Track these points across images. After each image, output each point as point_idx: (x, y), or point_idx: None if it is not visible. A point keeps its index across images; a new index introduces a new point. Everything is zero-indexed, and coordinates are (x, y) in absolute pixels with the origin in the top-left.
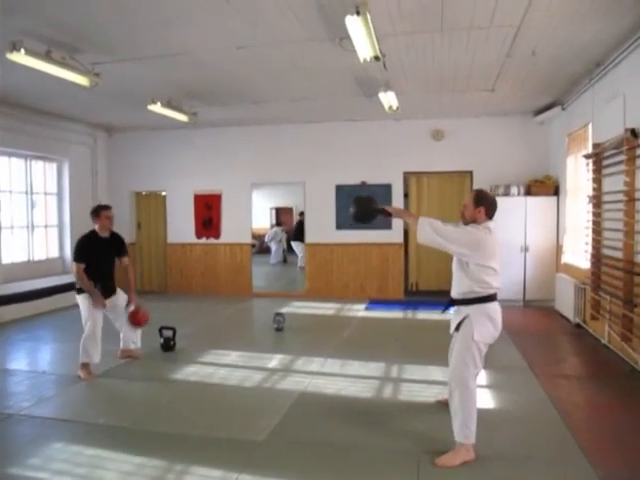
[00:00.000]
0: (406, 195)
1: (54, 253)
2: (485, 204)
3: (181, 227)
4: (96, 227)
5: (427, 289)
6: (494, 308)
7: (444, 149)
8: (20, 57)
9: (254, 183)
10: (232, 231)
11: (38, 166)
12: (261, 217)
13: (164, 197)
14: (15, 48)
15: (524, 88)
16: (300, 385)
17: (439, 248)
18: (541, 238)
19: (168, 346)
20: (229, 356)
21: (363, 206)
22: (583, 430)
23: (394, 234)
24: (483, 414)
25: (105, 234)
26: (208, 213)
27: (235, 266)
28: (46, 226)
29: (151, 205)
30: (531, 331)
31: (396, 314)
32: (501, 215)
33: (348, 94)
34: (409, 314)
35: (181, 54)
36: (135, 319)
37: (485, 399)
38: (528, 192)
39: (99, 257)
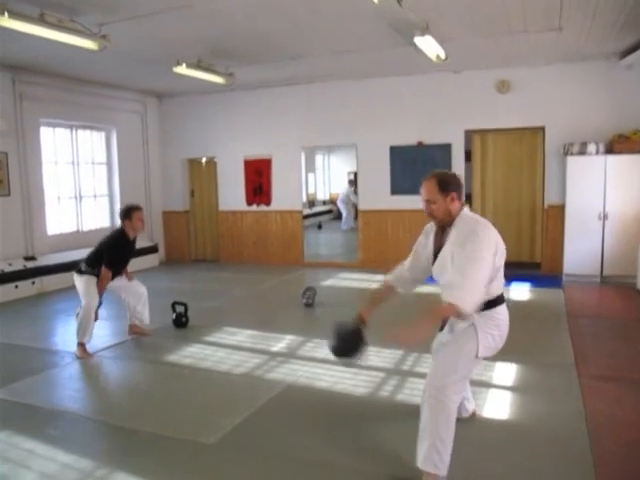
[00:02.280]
0: (468, 156)
1: (104, 223)
2: (453, 187)
3: (232, 194)
4: (126, 228)
5: None
6: (502, 312)
7: (511, 103)
8: (6, 21)
9: (305, 146)
10: (283, 198)
11: (85, 136)
12: (340, 182)
13: (216, 163)
14: (2, 12)
15: (599, 24)
16: (292, 375)
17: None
18: (623, 204)
19: (180, 322)
20: (238, 335)
21: (347, 341)
22: (611, 468)
23: None
24: (487, 425)
25: (133, 235)
26: (258, 179)
27: (286, 234)
28: (95, 196)
29: (203, 172)
30: (598, 315)
31: None
32: (575, 177)
33: (387, 43)
34: None
35: (199, 3)
36: None
37: (498, 404)
38: (609, 150)
39: (122, 258)
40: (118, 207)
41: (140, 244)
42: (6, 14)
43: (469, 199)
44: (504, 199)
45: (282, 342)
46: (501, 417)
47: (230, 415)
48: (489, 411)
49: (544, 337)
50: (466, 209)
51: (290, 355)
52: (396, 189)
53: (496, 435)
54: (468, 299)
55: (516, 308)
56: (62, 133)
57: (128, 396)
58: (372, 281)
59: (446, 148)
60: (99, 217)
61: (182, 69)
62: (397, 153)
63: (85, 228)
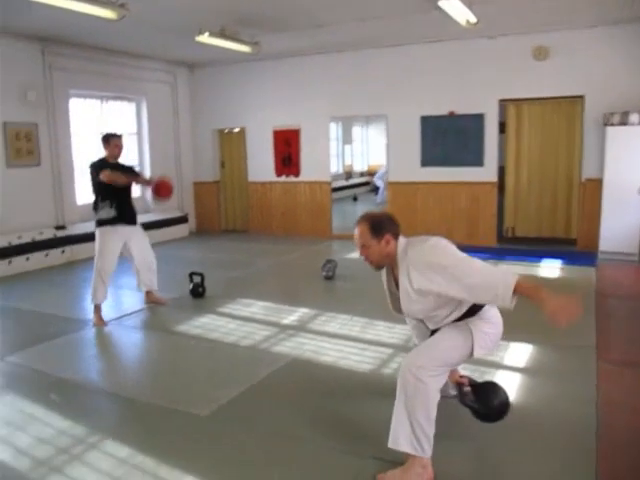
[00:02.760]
0: (502, 127)
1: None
2: (387, 228)
3: (261, 165)
4: (105, 154)
5: (525, 235)
6: (495, 312)
7: (549, 70)
8: None
9: (333, 117)
10: (311, 169)
11: (115, 106)
12: (378, 153)
13: (245, 134)
14: None
15: None
16: (299, 349)
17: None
18: None
19: (197, 292)
20: (252, 307)
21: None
22: (615, 454)
23: (487, 171)
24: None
25: (113, 161)
26: (287, 150)
27: (314, 206)
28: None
29: (233, 143)
30: (630, 296)
31: None
32: (615, 149)
33: (413, 7)
34: (495, 264)
35: None
36: (157, 188)
37: (505, 386)
38: None
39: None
40: (148, 177)
41: (170, 214)
42: None
43: (502, 172)
44: (539, 172)
45: (295, 315)
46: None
47: (228, 387)
48: None
49: None
50: (401, 239)
51: (300, 328)
52: (427, 161)
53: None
54: (509, 292)
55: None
56: (92, 104)
57: (130, 365)
58: None
59: (479, 118)
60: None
61: (205, 38)
62: (428, 123)
63: None
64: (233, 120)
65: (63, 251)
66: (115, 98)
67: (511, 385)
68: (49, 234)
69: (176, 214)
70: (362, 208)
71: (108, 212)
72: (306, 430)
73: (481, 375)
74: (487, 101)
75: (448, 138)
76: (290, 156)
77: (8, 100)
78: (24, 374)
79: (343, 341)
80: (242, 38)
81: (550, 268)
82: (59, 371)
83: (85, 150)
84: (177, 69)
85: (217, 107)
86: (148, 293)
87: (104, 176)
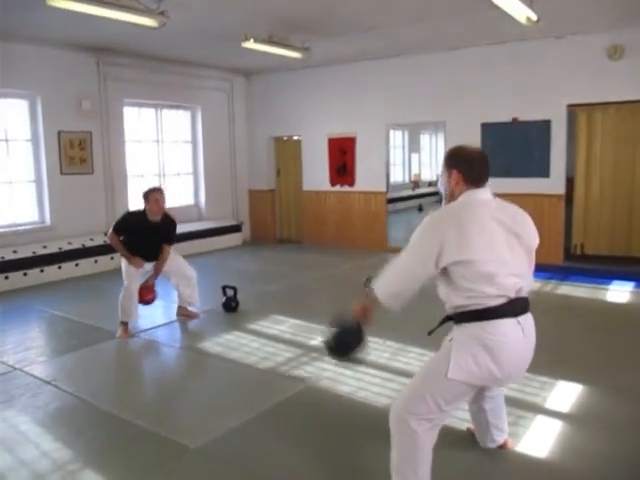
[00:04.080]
0: (570, 134)
1: (188, 201)
2: (459, 164)
3: (316, 173)
4: (146, 210)
5: (596, 253)
6: (498, 331)
7: (624, 71)
8: (60, 2)
9: (390, 124)
10: (367, 178)
11: (170, 115)
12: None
13: (301, 142)
14: None
15: None
16: (316, 375)
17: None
18: None
19: (229, 306)
20: (283, 324)
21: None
22: None
23: (553, 183)
24: (518, 461)
25: (155, 218)
26: (342, 158)
27: (369, 217)
28: (179, 174)
29: (289, 151)
30: None
31: (539, 284)
32: None
33: (465, 6)
34: (556, 286)
35: None
36: (140, 294)
37: (541, 436)
38: None
39: (141, 239)
40: (203, 185)
41: (223, 222)
42: None
43: (570, 184)
44: (613, 184)
45: (325, 336)
46: (539, 453)
47: (230, 416)
48: (527, 444)
49: (629, 353)
50: (476, 192)
51: (325, 352)
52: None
53: (525, 475)
54: (379, 284)
55: (603, 312)
56: (147, 112)
57: (138, 384)
58: None
59: (544, 125)
60: (183, 195)
61: (250, 44)
62: (489, 131)
63: (169, 205)
64: (289, 128)
65: (112, 258)
66: (170, 107)
67: (550, 436)
68: (99, 241)
69: (229, 222)
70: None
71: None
72: (299, 477)
73: (515, 420)
74: (554, 106)
75: (511, 146)
76: (345, 165)
77: (63, 109)
78: (33, 387)
79: (366, 368)
80: (291, 44)
81: (620, 292)
82: (68, 385)
83: (138, 157)
84: (234, 77)
85: (273, 115)
86: (180, 307)
87: (108, 237)
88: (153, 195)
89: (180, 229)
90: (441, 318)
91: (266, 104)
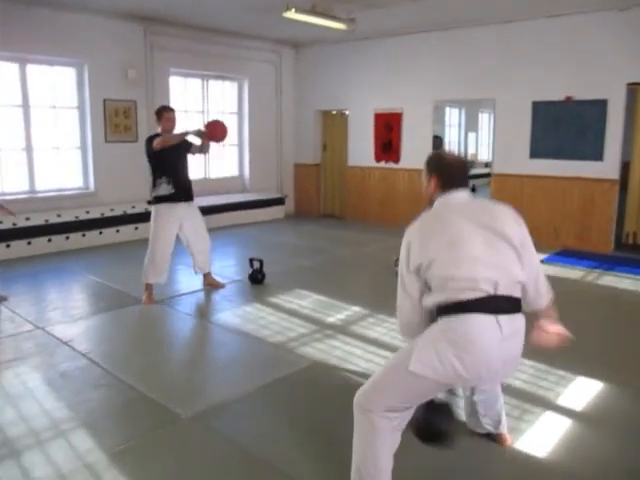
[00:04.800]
0: (630, 116)
1: (233, 172)
2: (437, 170)
3: (361, 149)
4: (159, 130)
5: None
6: (465, 327)
7: None
8: None
9: (437, 100)
10: (412, 155)
11: (217, 85)
12: None
13: (347, 116)
14: None
15: None
16: (326, 353)
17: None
18: None
19: (255, 278)
20: (305, 299)
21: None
22: None
23: (607, 167)
24: (511, 458)
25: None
26: (388, 134)
27: (413, 195)
28: (224, 145)
29: (336, 125)
30: None
31: (581, 273)
32: None
33: None
34: (600, 275)
35: None
36: (211, 131)
37: (545, 433)
38: None
39: (170, 155)
40: (247, 157)
41: (266, 195)
42: None
43: (626, 169)
44: None
45: (343, 313)
46: (538, 452)
47: (229, 387)
48: (528, 441)
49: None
50: (453, 194)
51: (341, 329)
52: (536, 152)
53: (518, 473)
54: (398, 322)
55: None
56: (194, 82)
57: (148, 350)
58: None
59: (601, 105)
60: (227, 165)
61: (292, 14)
62: (540, 110)
63: (212, 176)
64: (336, 101)
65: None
66: (216, 77)
67: (554, 434)
68: (140, 208)
69: (273, 195)
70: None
71: (165, 188)
72: (285, 459)
73: (520, 414)
74: (612, 85)
75: (563, 127)
76: (390, 141)
77: (109, 78)
78: (51, 346)
79: (378, 349)
80: (336, 14)
81: None
82: (82, 347)
83: (184, 127)
84: (282, 49)
85: (321, 88)
86: (206, 275)
87: (157, 143)
88: (166, 114)
89: (223, 200)
90: None
91: (314, 77)
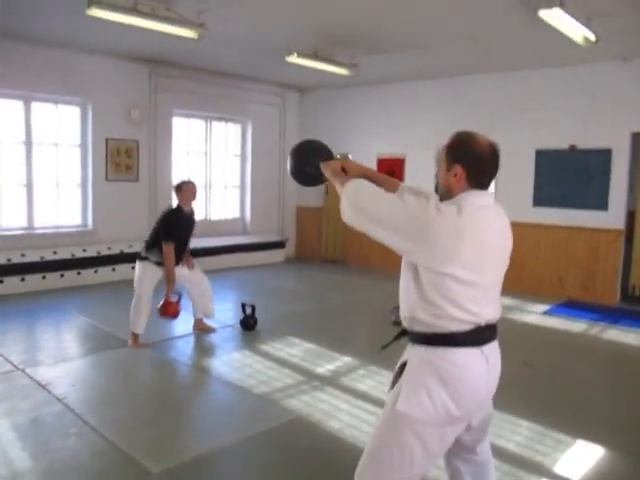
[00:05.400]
0: (635, 165)
1: (235, 214)
2: (466, 160)
3: None
4: (179, 202)
5: None
6: (456, 362)
7: None
8: (98, 12)
9: (440, 146)
10: None
11: (220, 127)
12: None
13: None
14: (91, 3)
15: None
16: (311, 407)
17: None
18: None
19: (247, 324)
20: (295, 348)
21: (300, 159)
22: None
23: (612, 216)
24: None
25: (188, 209)
26: None
27: None
28: (226, 186)
29: None
30: None
31: (584, 326)
32: None
33: (514, 19)
34: (604, 329)
35: None
36: (163, 310)
37: None
38: None
39: (184, 231)
40: (249, 199)
41: (266, 238)
42: (94, 5)
43: (631, 218)
44: None
45: (333, 363)
46: None
47: (203, 441)
48: None
49: None
50: (478, 196)
51: (329, 381)
52: (540, 200)
53: None
54: (345, 205)
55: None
56: (197, 124)
57: (128, 398)
58: None
59: (605, 154)
60: (229, 207)
61: (294, 58)
62: (544, 158)
63: (214, 217)
64: (339, 145)
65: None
66: (220, 119)
67: None
68: (137, 247)
69: (273, 238)
70: None
71: (159, 257)
72: None
73: None
74: (617, 134)
75: (567, 175)
76: None
77: (112, 117)
78: (27, 389)
79: (366, 404)
80: (338, 60)
81: None
82: (59, 391)
83: (186, 168)
84: (286, 92)
85: (324, 131)
86: (197, 320)
87: (166, 252)
88: (186, 187)
89: (223, 242)
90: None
91: (318, 120)
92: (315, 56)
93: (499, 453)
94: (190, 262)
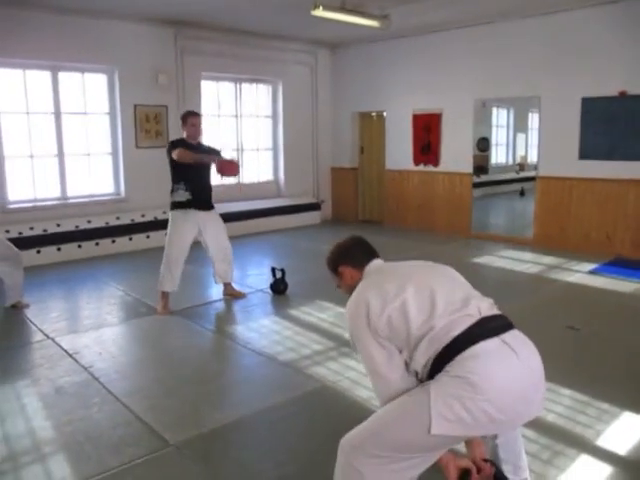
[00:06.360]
0: None
1: (268, 176)
2: (342, 260)
3: (399, 152)
4: (184, 135)
5: None
6: (478, 359)
7: None
8: None
9: (478, 99)
10: (452, 158)
11: (250, 89)
12: None
13: (385, 118)
14: None
15: None
16: (338, 374)
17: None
18: None
19: (277, 288)
20: (325, 312)
21: None
22: None
23: None
24: None
25: (193, 142)
26: (427, 136)
27: (453, 200)
28: (258, 149)
29: (373, 127)
30: None
31: (635, 286)
32: None
33: None
34: None
35: None
36: (222, 167)
37: None
38: None
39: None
40: (282, 161)
41: (301, 200)
42: None
43: None
44: None
45: None
46: None
47: (225, 412)
48: None
49: None
50: (370, 266)
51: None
52: (586, 152)
53: None
54: (379, 397)
55: None
56: (226, 86)
57: (151, 366)
58: (534, 263)
59: None
60: (262, 170)
61: (320, 12)
62: (590, 107)
63: (247, 180)
64: (373, 103)
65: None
66: (250, 80)
67: None
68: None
69: (308, 200)
70: (521, 205)
71: (182, 195)
72: None
73: (550, 457)
74: None
75: (616, 125)
76: (429, 143)
77: (140, 83)
78: (55, 358)
79: None
80: (368, 11)
81: None
82: (85, 360)
83: (216, 131)
84: (318, 50)
85: (358, 89)
86: (226, 285)
87: (175, 154)
88: (190, 119)
89: (257, 205)
90: None
91: (351, 78)
92: (343, 9)
93: (536, 424)
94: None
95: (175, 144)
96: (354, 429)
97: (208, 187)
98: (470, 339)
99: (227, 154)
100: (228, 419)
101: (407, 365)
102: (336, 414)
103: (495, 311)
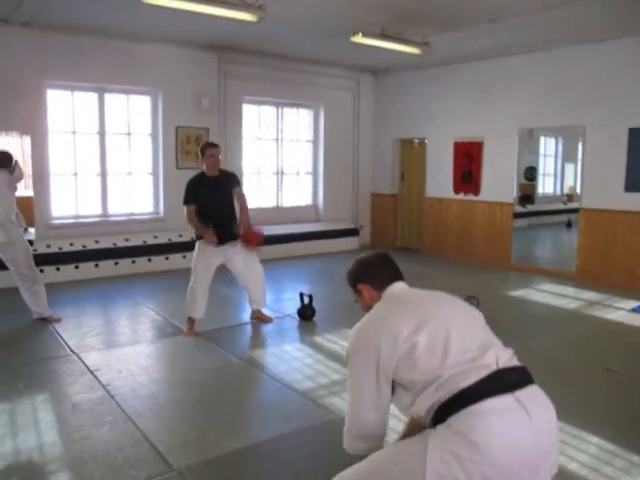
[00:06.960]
0: None
1: (307, 200)
2: (363, 276)
3: (439, 179)
4: (203, 167)
5: None
6: (483, 418)
7: None
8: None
9: (521, 128)
10: (493, 187)
11: (292, 113)
12: None
13: (426, 145)
14: None
15: None
16: None
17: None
18: None
19: (304, 314)
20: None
21: None
22: None
23: None
24: None
25: (213, 173)
26: (468, 164)
27: (493, 230)
28: (298, 173)
29: (414, 154)
30: None
31: None
32: None
33: None
34: None
35: None
36: (246, 238)
37: None
38: None
39: (211, 197)
40: (322, 185)
41: (340, 225)
42: None
43: None
44: None
45: None
46: None
47: (235, 437)
48: None
49: None
50: (388, 291)
51: None
52: (633, 185)
53: None
54: (346, 437)
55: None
56: (267, 110)
57: (168, 387)
58: (574, 299)
59: None
60: (302, 194)
61: (359, 38)
62: (638, 138)
63: (285, 204)
64: (415, 129)
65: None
66: (291, 105)
67: None
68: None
69: (346, 225)
70: (567, 236)
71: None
72: None
73: None
74: None
75: None
76: (470, 172)
77: (183, 106)
78: (76, 374)
79: None
80: (409, 38)
81: None
82: (105, 378)
83: (257, 155)
84: (360, 75)
85: (399, 115)
86: (254, 310)
87: (186, 215)
88: (208, 151)
89: (295, 229)
90: None
91: (393, 104)
92: (383, 35)
93: (558, 473)
94: (245, 225)
95: (188, 186)
96: (348, 469)
97: (228, 220)
98: (479, 393)
99: (250, 178)
100: (235, 446)
101: (407, 408)
102: (341, 450)
103: (515, 362)
